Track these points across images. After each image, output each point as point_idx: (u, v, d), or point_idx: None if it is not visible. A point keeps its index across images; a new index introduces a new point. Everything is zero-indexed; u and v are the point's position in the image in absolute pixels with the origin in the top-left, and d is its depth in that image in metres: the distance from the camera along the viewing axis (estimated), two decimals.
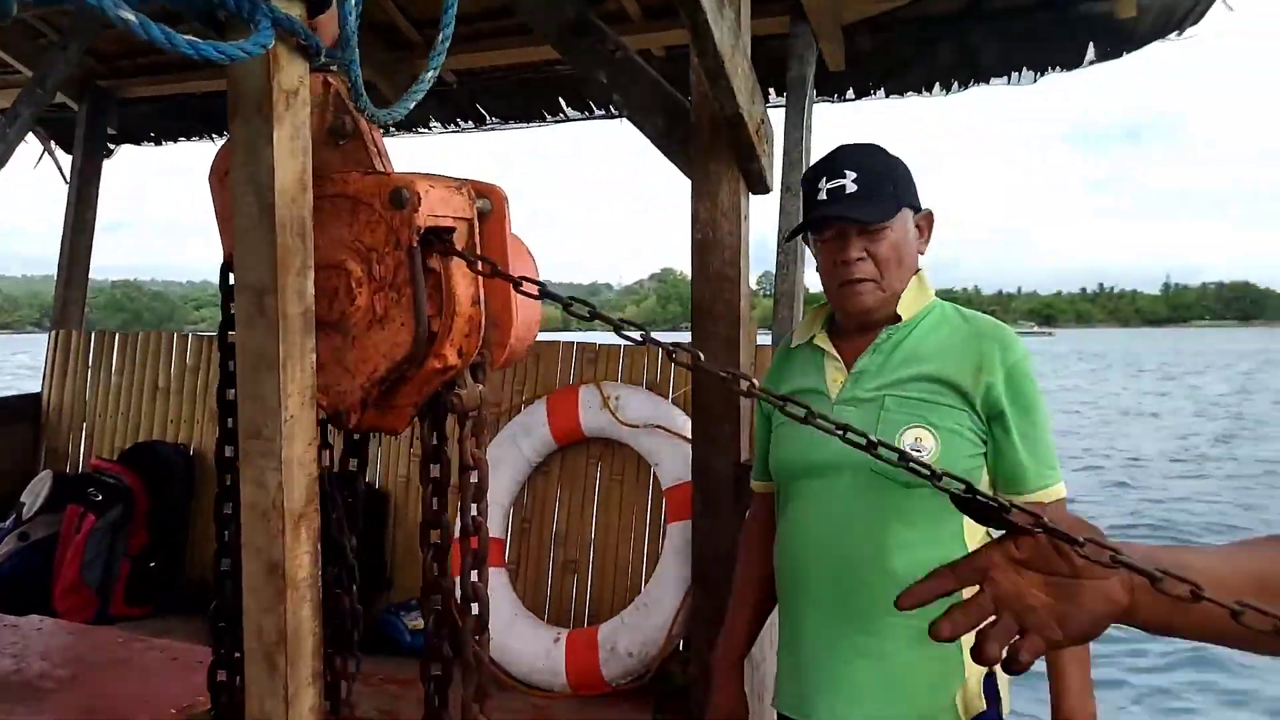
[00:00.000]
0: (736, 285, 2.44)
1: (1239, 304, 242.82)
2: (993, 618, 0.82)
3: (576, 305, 0.99)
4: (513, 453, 3.12)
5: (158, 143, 5.10)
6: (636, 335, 0.98)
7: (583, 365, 3.27)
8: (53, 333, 4.52)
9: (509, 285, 1.02)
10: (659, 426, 2.95)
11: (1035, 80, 3.39)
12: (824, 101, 3.69)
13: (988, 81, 3.48)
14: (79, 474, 4.10)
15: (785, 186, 3.02)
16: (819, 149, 3.26)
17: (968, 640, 1.51)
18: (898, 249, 1.68)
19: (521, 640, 2.86)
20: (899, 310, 1.70)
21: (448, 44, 1.06)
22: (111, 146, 4.93)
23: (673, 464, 2.88)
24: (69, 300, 4.62)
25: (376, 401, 0.99)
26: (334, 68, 1.02)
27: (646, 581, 2.93)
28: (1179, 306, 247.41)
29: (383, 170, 1.02)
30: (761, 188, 2.53)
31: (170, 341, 4.26)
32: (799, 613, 1.72)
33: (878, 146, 1.76)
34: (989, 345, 1.63)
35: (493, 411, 3.18)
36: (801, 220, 1.78)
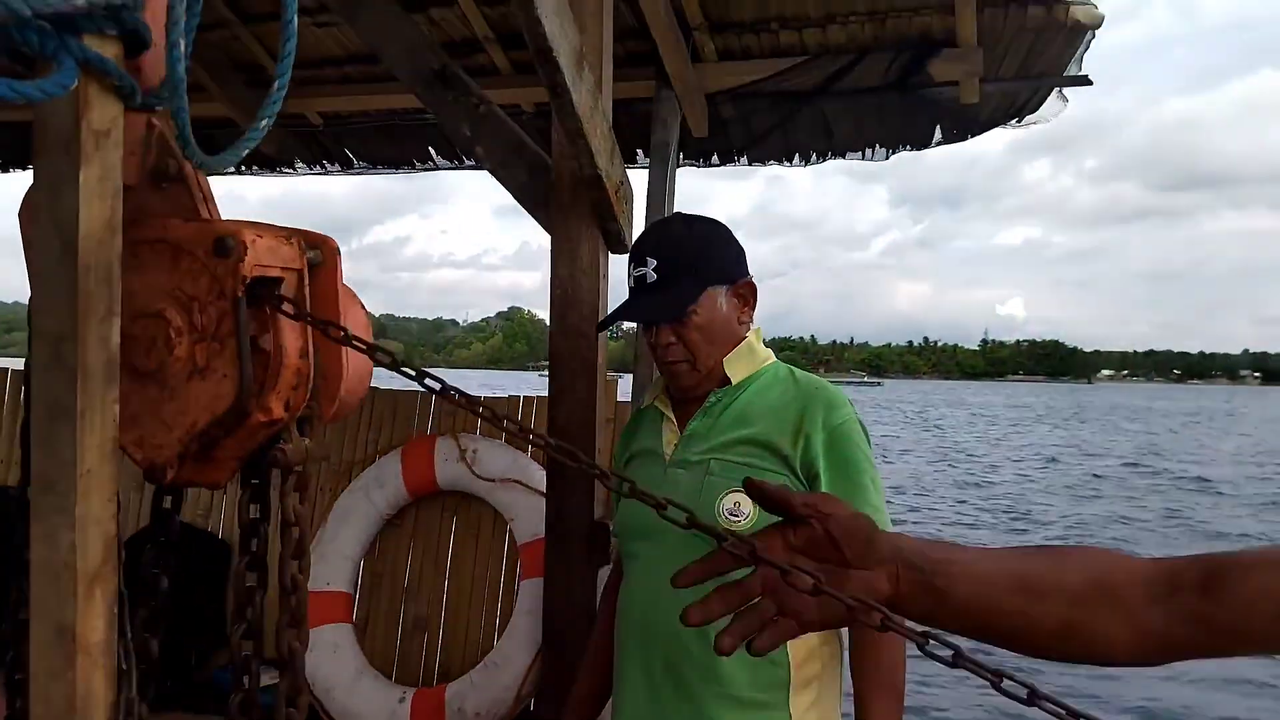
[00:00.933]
0: (594, 341, 2.45)
1: (1049, 361, 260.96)
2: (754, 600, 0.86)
3: (382, 354, 0.99)
4: (364, 504, 3.04)
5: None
6: (435, 385, 1.00)
7: (440, 416, 3.23)
8: None
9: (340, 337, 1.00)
10: (516, 481, 2.92)
11: (887, 157, 3.56)
12: (689, 165, 3.78)
13: (843, 155, 3.63)
14: None
15: None
16: (681, 208, 3.34)
17: (797, 711, 1.55)
18: (706, 330, 1.69)
19: (365, 700, 2.77)
20: (728, 374, 1.72)
21: (283, 92, 1.04)
22: None
23: (528, 520, 2.86)
24: None
25: (195, 455, 0.95)
26: (158, 109, 0.99)
27: (499, 639, 2.88)
28: (995, 361, 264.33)
29: (207, 216, 0.99)
30: (620, 247, 2.56)
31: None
32: (624, 677, 1.73)
33: (684, 225, 1.76)
34: (812, 407, 1.66)
35: (344, 463, 3.10)
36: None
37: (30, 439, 0.85)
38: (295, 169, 4.68)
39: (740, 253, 1.78)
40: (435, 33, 3.61)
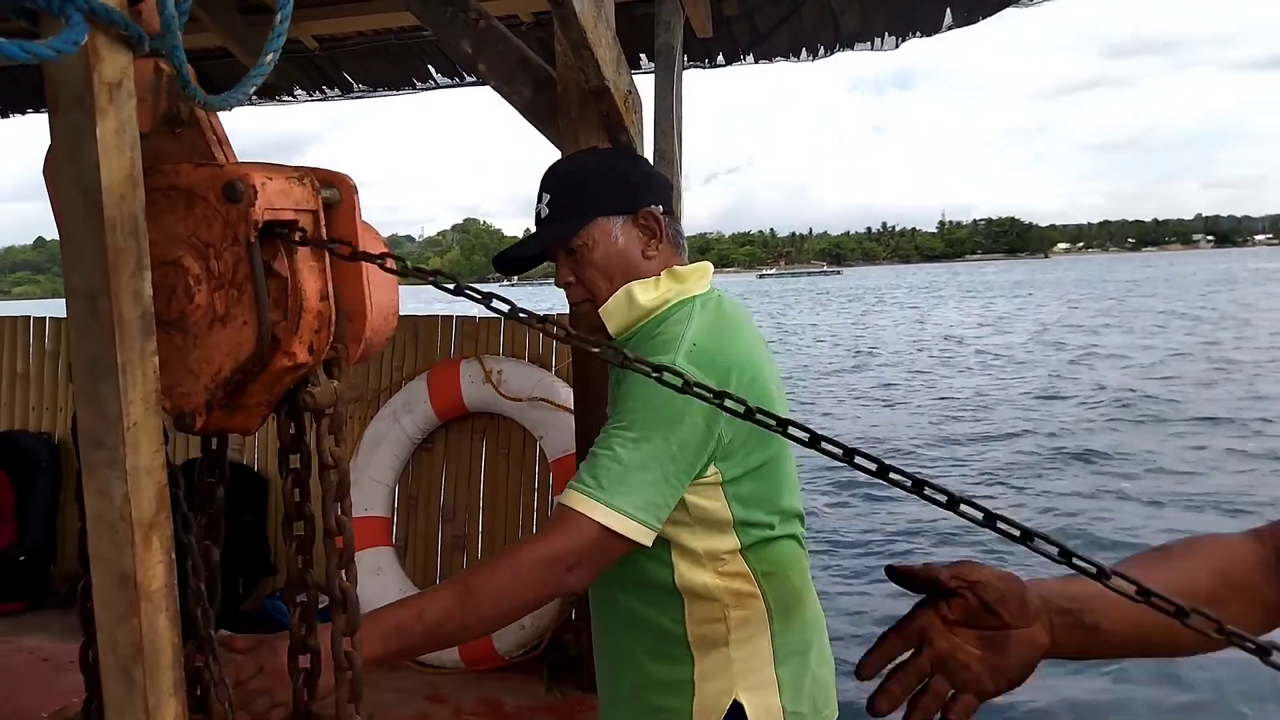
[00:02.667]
0: None
1: (1006, 238, 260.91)
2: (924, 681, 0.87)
3: (441, 277, 0.98)
4: (395, 430, 3.08)
5: (4, 114, 4.82)
6: (504, 308, 0.97)
7: (463, 339, 3.24)
8: None
9: (361, 277, 1.00)
10: (542, 399, 2.95)
11: (897, 45, 3.47)
12: (694, 67, 3.70)
13: (851, 46, 3.54)
14: None
15: (658, 154, 3.02)
16: (689, 114, 3.29)
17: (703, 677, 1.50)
18: (602, 266, 1.57)
19: None
20: (608, 327, 1.58)
21: (286, 24, 1.01)
22: None
23: (558, 436, 2.89)
24: None
25: (224, 402, 0.96)
26: (163, 53, 0.97)
27: None
28: (954, 242, 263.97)
29: (220, 160, 0.98)
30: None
31: (27, 326, 4.05)
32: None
33: (577, 157, 1.69)
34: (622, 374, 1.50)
35: (370, 392, 3.14)
36: None
37: (75, 398, 0.87)
38: (295, 96, 4.62)
39: (644, 180, 1.65)
40: None
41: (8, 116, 4.83)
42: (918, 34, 3.44)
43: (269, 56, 1.05)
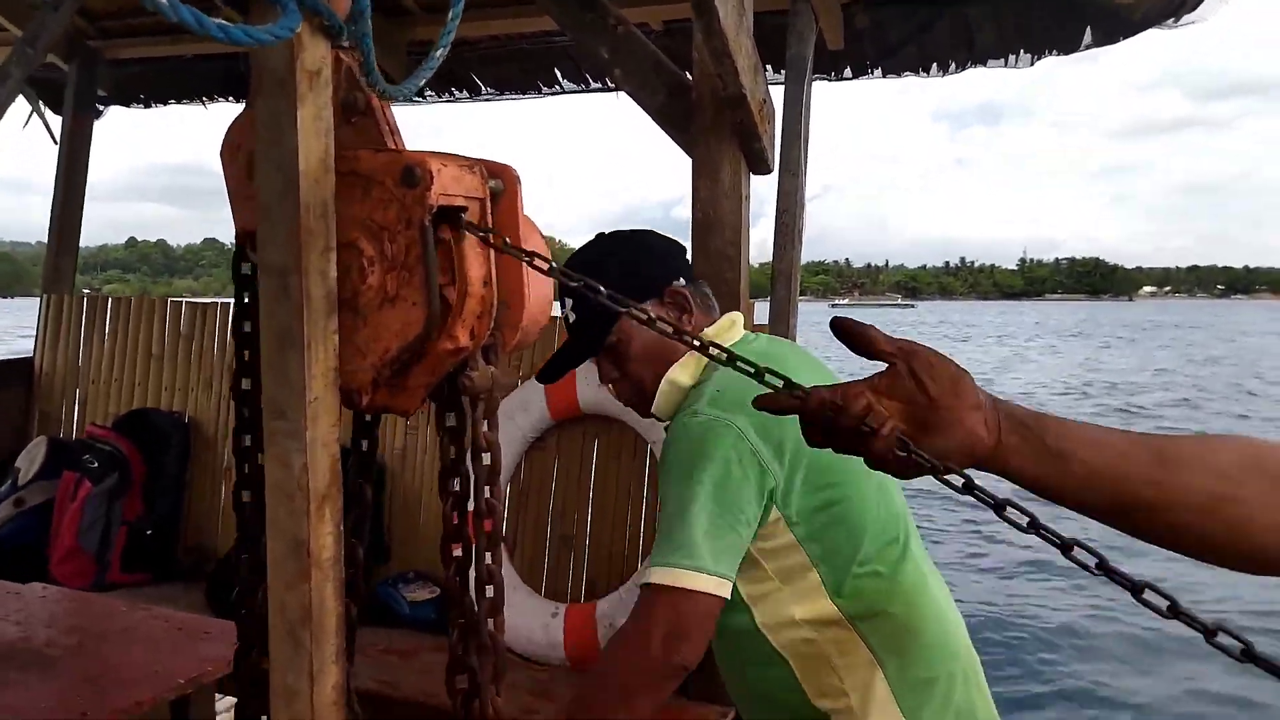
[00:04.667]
0: (737, 265, 2.45)
1: (1089, 279, 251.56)
2: None
3: (605, 296, 1.01)
4: (510, 428, 3.13)
5: (147, 105, 5.05)
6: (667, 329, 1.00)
7: None
8: (44, 297, 4.49)
9: (520, 266, 1.02)
10: None
11: (1032, 63, 3.40)
12: (821, 79, 3.69)
13: (984, 63, 3.48)
14: (75, 441, 4.10)
15: (784, 166, 3.02)
16: (816, 127, 3.27)
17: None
18: (641, 356, 1.59)
19: (520, 613, 2.89)
20: (658, 416, 1.61)
21: (457, 21, 1.06)
22: (101, 108, 4.88)
23: None
24: (60, 265, 4.59)
25: (388, 382, 1.00)
26: (347, 44, 1.02)
27: (643, 558, 2.95)
28: (1034, 280, 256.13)
29: (394, 148, 1.02)
30: (763, 168, 2.53)
31: (164, 308, 4.25)
32: None
33: (593, 247, 1.66)
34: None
35: (506, 393, 3.20)
36: None
37: (261, 370, 0.91)
38: (425, 98, 4.74)
39: (659, 259, 1.65)
40: None
41: (150, 106, 5.06)
42: (1055, 52, 3.37)
43: (439, 51, 1.09)
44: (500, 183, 1.07)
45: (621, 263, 1.62)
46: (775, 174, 2.83)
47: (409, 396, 1.04)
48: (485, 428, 1.04)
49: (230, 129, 1.12)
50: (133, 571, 3.81)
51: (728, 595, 1.40)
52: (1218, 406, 20.04)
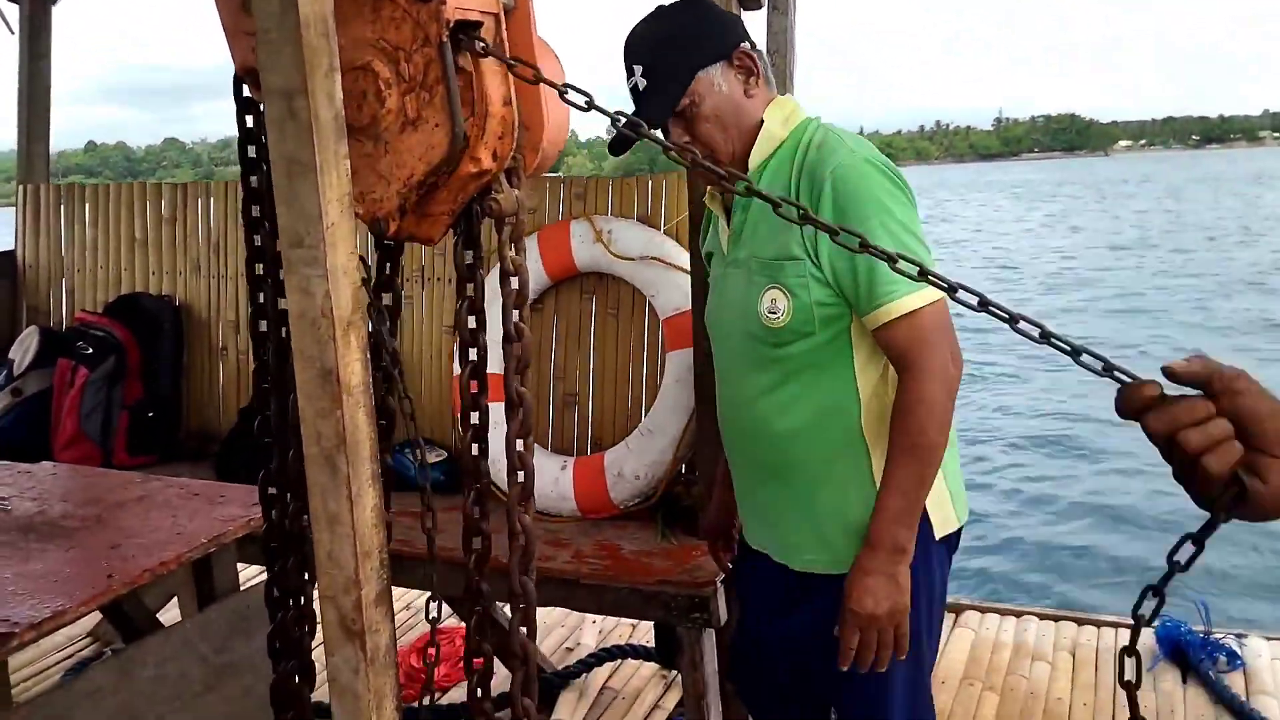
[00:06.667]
0: None
1: (1065, 135, 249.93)
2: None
3: (622, 116, 0.99)
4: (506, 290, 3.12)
5: None
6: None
7: (570, 201, 3.24)
8: (19, 188, 4.40)
9: (539, 87, 0.99)
10: (655, 258, 2.94)
11: None
12: None
13: None
14: (66, 329, 4.07)
15: (773, 3, 2.92)
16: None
17: (879, 470, 1.60)
18: (715, 117, 1.62)
19: None
20: (750, 161, 1.65)
21: None
22: None
23: (669, 294, 2.89)
24: (33, 154, 4.48)
25: (414, 208, 0.98)
26: None
27: (647, 411, 2.98)
28: (1010, 140, 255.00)
29: None
30: (753, 3, 2.45)
31: (144, 191, 4.16)
32: (733, 466, 1.86)
33: (654, 19, 1.65)
34: (805, 176, 1.57)
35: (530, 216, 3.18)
36: None
37: (274, 198, 0.89)
38: None
39: (728, 22, 1.68)
40: None
41: None
42: None
43: None
44: None
45: (687, 26, 1.63)
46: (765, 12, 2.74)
47: (434, 223, 1.03)
48: (513, 251, 1.03)
49: None
50: (137, 455, 3.83)
51: None
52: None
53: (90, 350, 3.79)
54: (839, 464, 1.65)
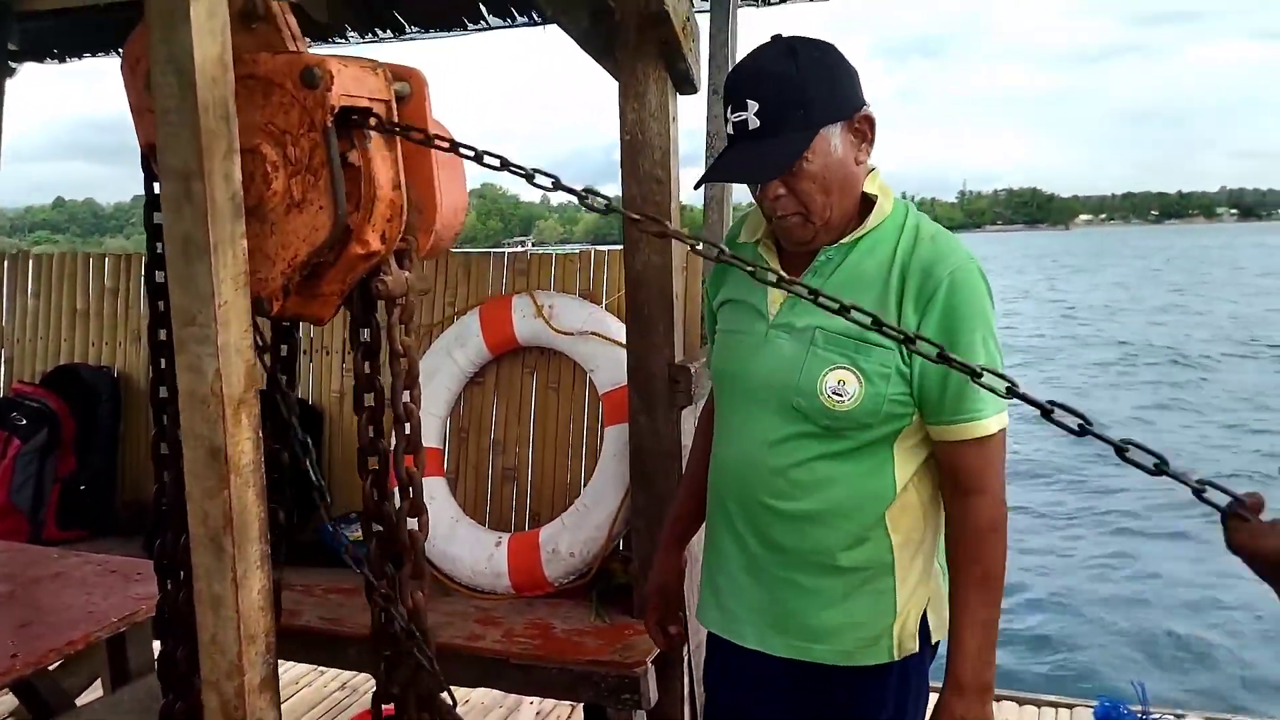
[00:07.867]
0: (667, 187, 2.44)
1: (1027, 209, 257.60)
2: None
3: (541, 177, 1.01)
4: (447, 364, 3.12)
5: (61, 59, 4.84)
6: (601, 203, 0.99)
7: (514, 276, 3.26)
8: None
9: (431, 170, 1.02)
10: (594, 333, 2.96)
11: None
12: (748, 6, 3.65)
13: None
14: (1, 399, 4.00)
15: (712, 89, 3.00)
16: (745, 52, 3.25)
17: (903, 579, 1.56)
18: (820, 179, 1.48)
19: (463, 546, 2.90)
20: (858, 231, 1.55)
21: None
22: (14, 65, 4.68)
23: (608, 369, 2.91)
24: None
25: (299, 288, 0.99)
26: None
27: (585, 485, 2.97)
28: (973, 212, 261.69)
29: (297, 52, 1.00)
30: (689, 88, 2.52)
31: (87, 262, 4.14)
32: (720, 537, 1.69)
33: (788, 54, 1.49)
34: (915, 266, 1.49)
35: (423, 326, 3.18)
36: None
37: (168, 276, 0.89)
38: (347, 38, 4.62)
39: (855, 78, 1.53)
40: None
41: (65, 61, 4.86)
42: None
43: None
44: (407, 85, 1.06)
45: (825, 73, 1.49)
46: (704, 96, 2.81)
47: (322, 304, 1.04)
48: (401, 332, 1.04)
49: (129, 43, 1.09)
50: (69, 528, 3.74)
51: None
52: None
53: (24, 421, 3.73)
54: (858, 552, 1.56)
